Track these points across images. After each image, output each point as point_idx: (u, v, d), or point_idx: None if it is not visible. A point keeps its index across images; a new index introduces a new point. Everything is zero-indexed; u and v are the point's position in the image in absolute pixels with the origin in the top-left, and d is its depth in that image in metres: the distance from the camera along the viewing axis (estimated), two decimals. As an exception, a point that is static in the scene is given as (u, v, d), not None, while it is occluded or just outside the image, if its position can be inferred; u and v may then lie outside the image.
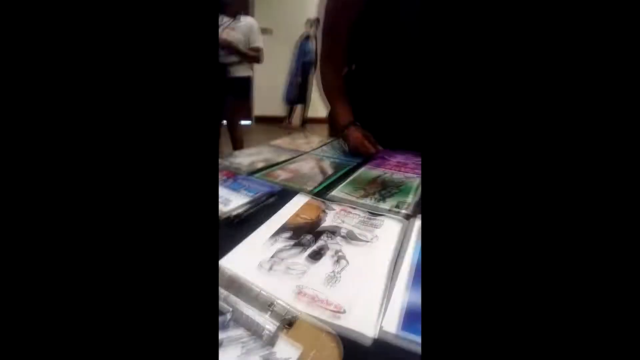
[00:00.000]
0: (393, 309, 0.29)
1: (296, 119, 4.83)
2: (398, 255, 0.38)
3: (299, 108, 4.78)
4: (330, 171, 0.68)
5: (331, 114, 0.95)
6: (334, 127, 0.94)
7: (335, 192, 0.56)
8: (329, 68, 0.92)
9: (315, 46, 4.41)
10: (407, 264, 0.36)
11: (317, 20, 4.31)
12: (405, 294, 0.31)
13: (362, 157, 0.80)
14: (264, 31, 2.64)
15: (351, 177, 0.65)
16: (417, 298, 0.31)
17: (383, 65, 0.88)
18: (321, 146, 0.90)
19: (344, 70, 0.96)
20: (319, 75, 0.96)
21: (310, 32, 4.36)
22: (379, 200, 0.53)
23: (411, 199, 0.55)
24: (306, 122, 4.83)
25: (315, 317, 0.28)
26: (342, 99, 0.90)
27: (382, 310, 0.29)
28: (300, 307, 0.28)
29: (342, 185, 0.60)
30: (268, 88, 4.57)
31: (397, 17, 0.81)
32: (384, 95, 0.91)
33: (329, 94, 0.93)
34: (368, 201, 0.53)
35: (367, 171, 0.70)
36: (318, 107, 5.06)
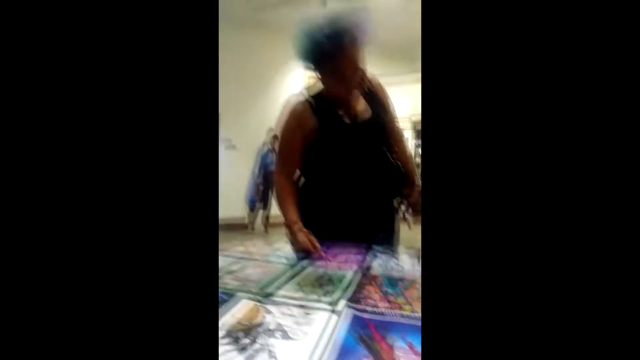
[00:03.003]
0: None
1: (259, 224, 4.92)
2: (327, 346, 0.44)
3: (261, 212, 4.95)
4: (276, 275, 0.75)
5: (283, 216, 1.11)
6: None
7: (277, 295, 0.62)
8: (282, 179, 1.13)
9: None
10: (336, 351, 0.43)
11: (276, 136, 4.90)
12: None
13: (305, 254, 0.92)
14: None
15: (295, 279, 0.72)
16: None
17: (328, 182, 1.10)
18: (275, 251, 0.98)
19: (298, 181, 1.16)
20: (274, 185, 1.15)
21: (270, 147, 4.89)
22: (315, 300, 0.61)
23: (344, 294, 0.63)
24: (268, 225, 4.93)
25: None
26: (291, 204, 1.07)
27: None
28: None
29: (285, 287, 0.67)
30: (232, 195, 4.77)
31: (342, 147, 1.06)
32: (328, 204, 1.09)
33: (281, 199, 1.10)
34: (306, 302, 0.60)
35: (310, 272, 0.78)
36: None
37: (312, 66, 1.02)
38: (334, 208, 1.08)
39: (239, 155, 4.88)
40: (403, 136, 1.25)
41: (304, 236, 0.97)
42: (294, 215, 1.04)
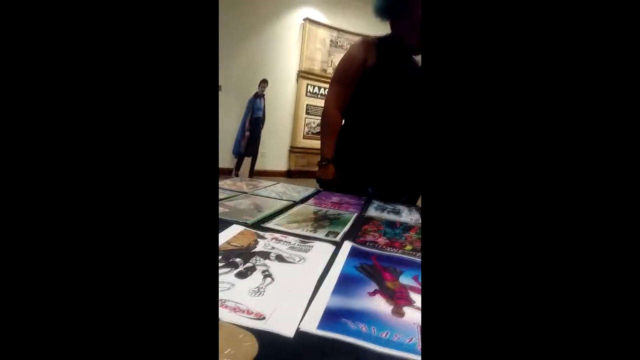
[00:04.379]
0: (313, 313, 0.31)
1: (244, 172, 4.84)
2: (326, 271, 0.41)
3: (247, 161, 4.83)
4: (267, 208, 0.70)
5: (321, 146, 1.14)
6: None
7: (270, 224, 0.58)
8: (336, 110, 1.09)
9: (264, 104, 4.67)
10: (334, 276, 0.39)
11: (266, 81, 4.66)
12: (326, 300, 0.34)
13: (322, 187, 1.05)
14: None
15: (288, 212, 0.68)
16: (337, 302, 0.34)
17: (371, 119, 1.07)
18: (264, 188, 0.93)
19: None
20: (324, 117, 1.11)
21: (259, 91, 4.64)
22: (311, 231, 0.57)
23: (342, 229, 0.59)
24: (254, 174, 4.86)
25: (235, 324, 0.28)
26: (333, 138, 1.10)
27: (302, 315, 0.31)
28: (222, 316, 0.29)
29: (278, 218, 0.63)
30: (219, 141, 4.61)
31: (396, 80, 1.04)
32: (364, 141, 1.08)
33: (328, 130, 1.10)
34: (301, 231, 0.56)
35: (305, 207, 0.74)
36: (266, 160, 5.16)
37: (388, 14, 1.03)
38: (370, 155, 1.06)
39: (227, 103, 4.61)
40: None
41: (334, 170, 1.07)
42: (330, 151, 1.08)
